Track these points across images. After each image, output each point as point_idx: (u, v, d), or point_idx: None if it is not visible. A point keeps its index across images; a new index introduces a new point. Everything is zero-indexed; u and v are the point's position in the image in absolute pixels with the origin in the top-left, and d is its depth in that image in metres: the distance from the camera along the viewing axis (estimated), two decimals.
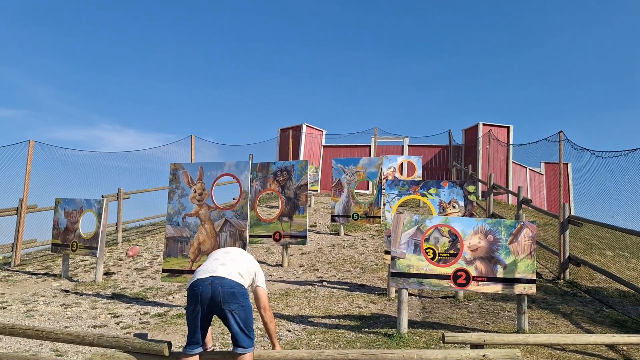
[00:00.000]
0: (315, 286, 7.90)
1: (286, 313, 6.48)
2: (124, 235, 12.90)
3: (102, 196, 11.56)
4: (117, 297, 7.59)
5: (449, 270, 5.67)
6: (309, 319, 6.22)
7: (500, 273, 5.65)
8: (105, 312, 6.76)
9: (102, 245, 8.77)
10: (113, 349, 3.92)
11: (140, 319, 6.42)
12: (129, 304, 7.15)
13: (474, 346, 4.04)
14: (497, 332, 5.76)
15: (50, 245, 9.74)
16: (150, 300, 7.40)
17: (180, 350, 5.15)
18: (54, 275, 9.35)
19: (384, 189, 12.92)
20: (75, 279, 9.06)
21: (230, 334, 3.68)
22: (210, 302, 3.58)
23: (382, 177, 12.05)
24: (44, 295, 7.82)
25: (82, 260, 10.51)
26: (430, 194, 7.44)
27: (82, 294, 7.84)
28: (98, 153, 13.65)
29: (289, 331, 5.74)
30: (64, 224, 9.39)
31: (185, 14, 71.01)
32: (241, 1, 70.42)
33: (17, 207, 10.68)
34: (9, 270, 10.02)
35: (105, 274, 9.19)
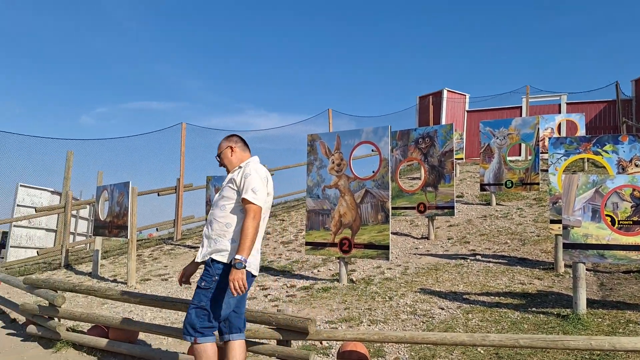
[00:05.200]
0: (468, 260, 7.21)
1: (437, 289, 5.94)
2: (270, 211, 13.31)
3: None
4: (265, 269, 7.70)
5: (639, 239, 4.64)
6: (464, 296, 5.61)
7: None
8: (254, 284, 6.86)
9: None
10: (257, 324, 3.78)
11: (287, 292, 6.37)
12: (276, 277, 7.18)
13: None
14: None
15: (205, 221, 10.31)
16: (296, 273, 7.37)
17: (327, 325, 4.95)
18: None
19: (542, 152, 11.60)
20: None
21: None
22: None
23: (539, 138, 10.70)
24: (200, 268, 8.23)
25: None
26: (606, 152, 6.26)
27: None
28: (240, 132, 14.22)
29: (442, 309, 5.20)
30: None
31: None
32: None
33: (176, 186, 11.50)
34: (172, 244, 10.86)
35: None
